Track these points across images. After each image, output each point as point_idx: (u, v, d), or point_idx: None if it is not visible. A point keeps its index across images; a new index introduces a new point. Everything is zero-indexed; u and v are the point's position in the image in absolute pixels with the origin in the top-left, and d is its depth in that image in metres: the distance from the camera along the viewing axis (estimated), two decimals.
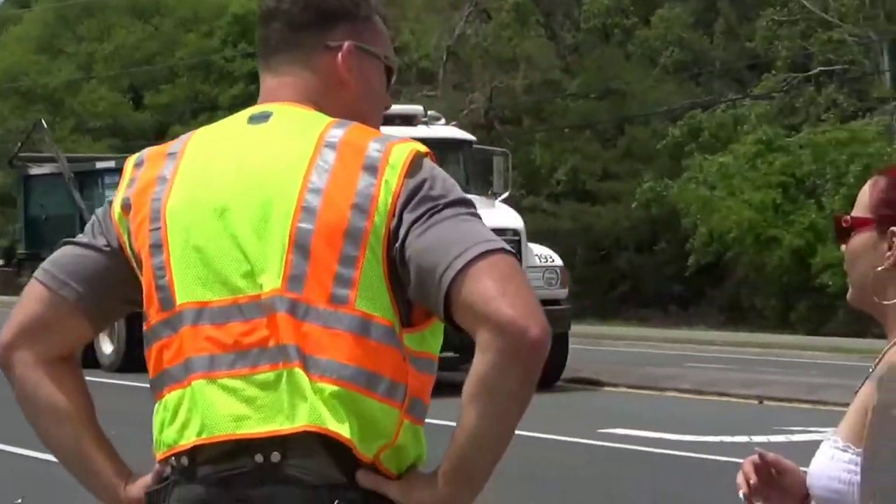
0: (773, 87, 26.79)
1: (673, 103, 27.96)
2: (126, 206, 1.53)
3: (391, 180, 1.41)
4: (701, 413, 11.41)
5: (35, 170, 14.51)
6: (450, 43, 29.43)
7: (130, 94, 36.78)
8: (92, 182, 13.31)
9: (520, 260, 1.65)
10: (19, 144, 17.01)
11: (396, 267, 1.41)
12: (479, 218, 1.45)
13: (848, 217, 1.64)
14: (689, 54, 29.51)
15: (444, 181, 1.45)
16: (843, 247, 1.64)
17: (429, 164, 1.45)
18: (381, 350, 1.41)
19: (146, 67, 35.39)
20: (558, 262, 12.58)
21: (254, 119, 1.52)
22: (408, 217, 1.40)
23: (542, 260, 12.35)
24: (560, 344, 10.71)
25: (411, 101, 15.20)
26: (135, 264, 1.50)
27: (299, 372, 1.39)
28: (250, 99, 2.19)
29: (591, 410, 11.69)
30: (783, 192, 24.21)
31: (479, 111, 29.12)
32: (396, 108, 10.50)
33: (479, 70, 29.60)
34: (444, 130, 12.19)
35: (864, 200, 1.62)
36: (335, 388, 1.38)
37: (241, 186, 1.46)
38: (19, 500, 6.18)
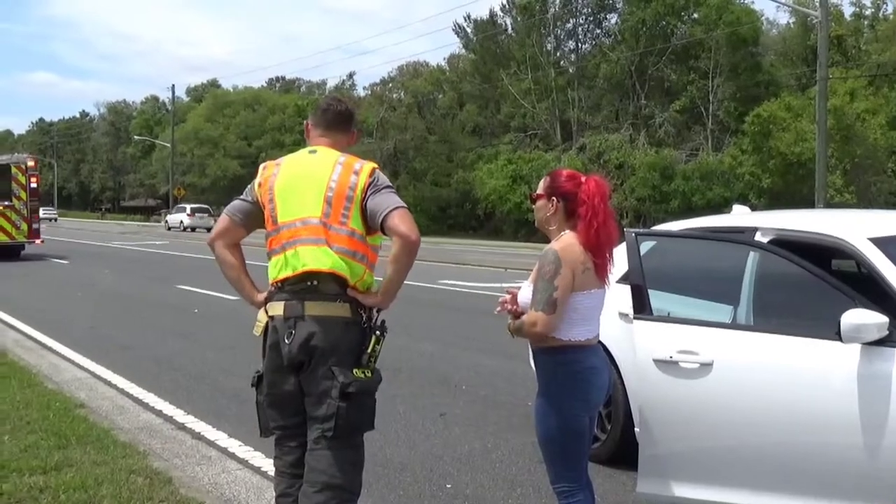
0: None
1: None
2: (259, 185, 3.37)
3: (362, 178, 3.24)
4: None
5: None
6: None
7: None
8: None
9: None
10: None
11: (365, 211, 3.20)
12: (395, 191, 3.23)
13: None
14: None
15: (382, 178, 3.24)
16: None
17: (377, 171, 3.28)
18: (357, 242, 3.21)
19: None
20: None
21: (311, 152, 3.40)
22: (368, 192, 3.22)
23: None
24: None
25: None
26: (260, 207, 3.37)
27: (327, 248, 3.17)
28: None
29: None
30: None
31: None
32: None
33: None
34: None
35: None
36: (339, 256, 3.18)
37: (301, 178, 3.28)
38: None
